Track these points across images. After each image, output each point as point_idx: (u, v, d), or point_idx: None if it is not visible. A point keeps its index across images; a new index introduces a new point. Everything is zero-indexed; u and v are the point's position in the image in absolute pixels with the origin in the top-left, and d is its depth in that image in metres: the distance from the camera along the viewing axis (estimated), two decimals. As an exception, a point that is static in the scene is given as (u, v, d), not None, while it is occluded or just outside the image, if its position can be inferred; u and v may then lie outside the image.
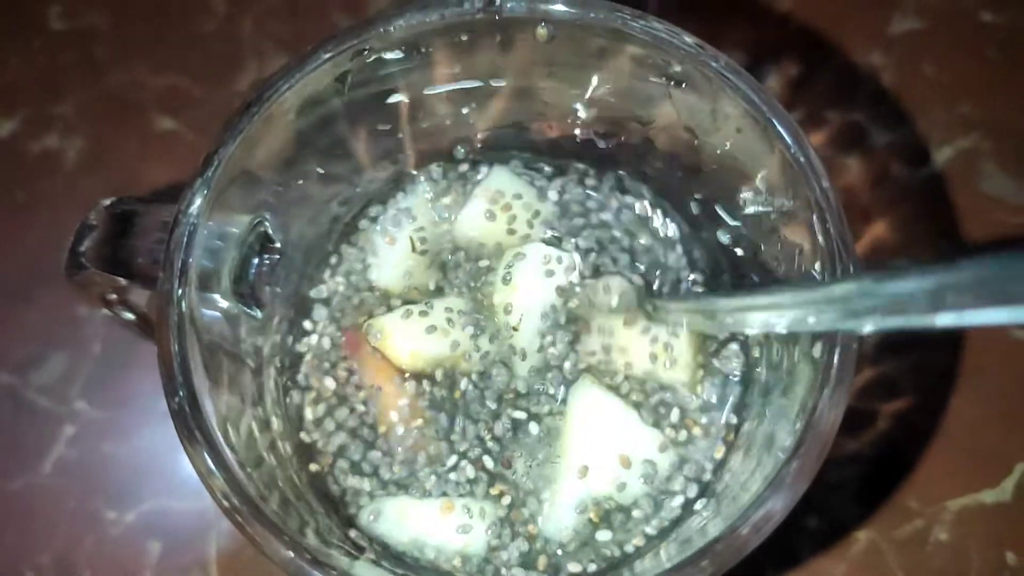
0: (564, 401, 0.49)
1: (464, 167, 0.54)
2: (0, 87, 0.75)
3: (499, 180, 0.53)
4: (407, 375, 0.50)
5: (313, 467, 0.49)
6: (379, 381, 0.50)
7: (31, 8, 0.77)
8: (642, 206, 0.54)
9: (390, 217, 0.53)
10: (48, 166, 0.72)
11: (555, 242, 0.52)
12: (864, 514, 0.60)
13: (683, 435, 0.49)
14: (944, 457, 0.61)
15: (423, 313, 0.49)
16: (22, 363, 0.66)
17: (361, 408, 0.50)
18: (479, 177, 0.54)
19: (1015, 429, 0.62)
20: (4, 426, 0.65)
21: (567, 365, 0.49)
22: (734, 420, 0.50)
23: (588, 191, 0.54)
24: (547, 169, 0.55)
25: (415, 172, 0.54)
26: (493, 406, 0.48)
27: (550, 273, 0.50)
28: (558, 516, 0.47)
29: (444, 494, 0.47)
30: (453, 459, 0.48)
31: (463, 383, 0.49)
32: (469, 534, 0.46)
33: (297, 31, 0.75)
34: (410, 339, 0.49)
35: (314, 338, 0.52)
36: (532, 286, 0.50)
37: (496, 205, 0.52)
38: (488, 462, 0.47)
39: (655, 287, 0.52)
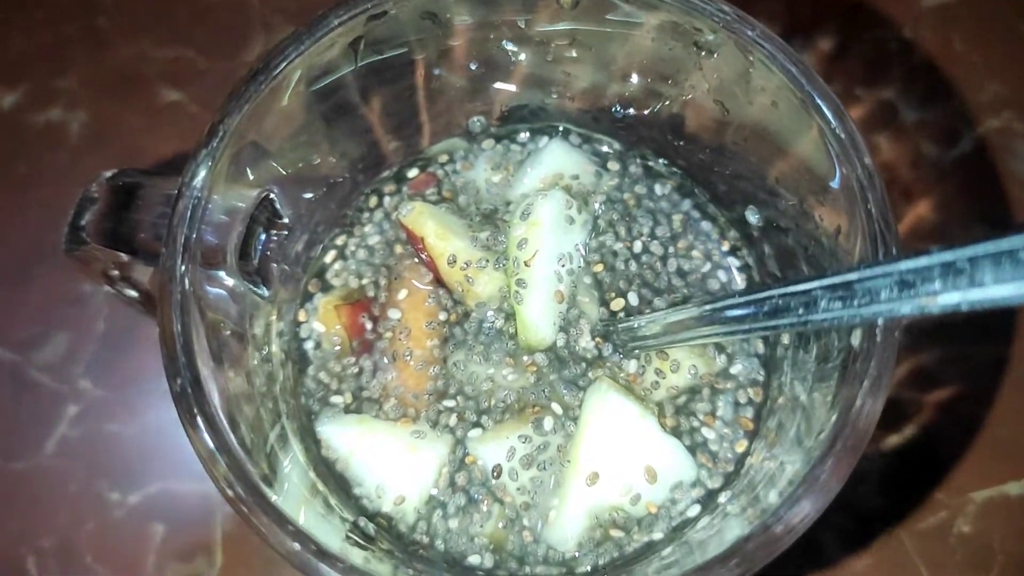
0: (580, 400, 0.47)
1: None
2: (2, 59, 0.73)
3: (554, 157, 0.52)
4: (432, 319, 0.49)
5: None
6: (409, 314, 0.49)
7: (35, -22, 0.75)
8: (664, 187, 0.52)
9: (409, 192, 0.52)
10: (51, 139, 0.71)
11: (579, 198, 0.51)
12: (887, 505, 0.59)
13: (702, 436, 0.47)
14: (970, 449, 0.60)
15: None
16: (24, 342, 0.65)
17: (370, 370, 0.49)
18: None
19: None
20: (6, 405, 0.63)
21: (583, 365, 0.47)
22: (751, 413, 0.48)
23: (609, 166, 0.52)
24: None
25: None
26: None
27: (570, 219, 0.48)
28: (562, 525, 0.45)
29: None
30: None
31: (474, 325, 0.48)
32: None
33: (305, 3, 0.73)
34: (438, 219, 0.49)
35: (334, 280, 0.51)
36: (550, 224, 0.48)
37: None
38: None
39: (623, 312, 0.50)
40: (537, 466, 0.45)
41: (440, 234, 0.48)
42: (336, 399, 0.48)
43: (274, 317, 0.47)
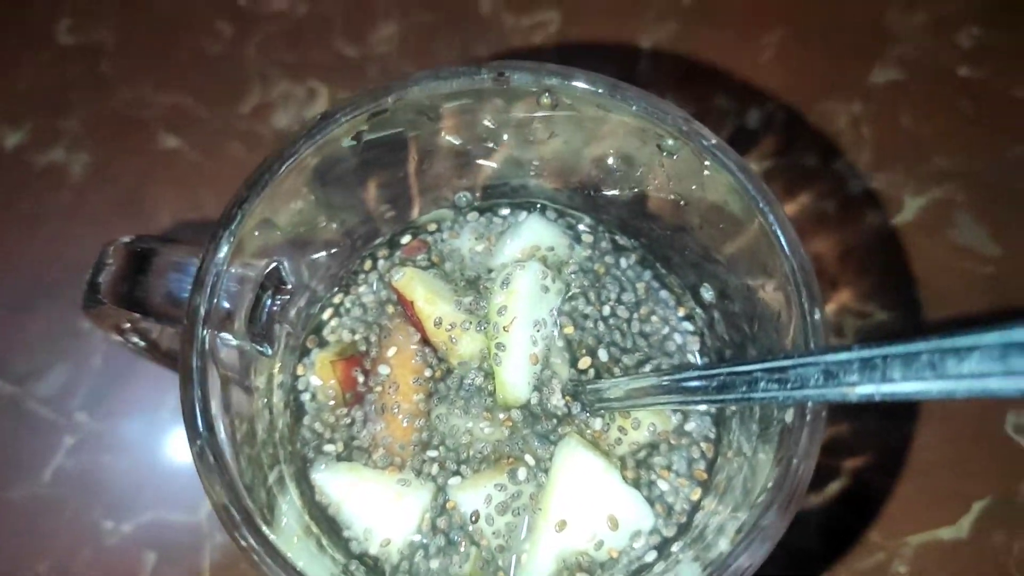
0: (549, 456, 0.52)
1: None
2: (8, 99, 0.77)
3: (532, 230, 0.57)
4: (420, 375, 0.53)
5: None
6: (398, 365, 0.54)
7: (40, 22, 0.79)
8: (629, 259, 0.57)
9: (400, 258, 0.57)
10: (54, 179, 0.74)
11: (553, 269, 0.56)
12: (827, 546, 0.64)
13: (659, 488, 0.52)
14: (907, 495, 0.65)
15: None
16: (24, 374, 0.68)
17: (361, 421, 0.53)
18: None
19: (974, 470, 0.66)
20: (5, 436, 0.67)
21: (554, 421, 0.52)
22: (704, 467, 0.53)
23: (582, 239, 0.57)
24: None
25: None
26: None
27: (545, 288, 0.53)
28: (533, 567, 0.49)
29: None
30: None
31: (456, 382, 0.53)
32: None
33: (300, 57, 0.78)
34: (426, 285, 0.53)
35: (329, 337, 0.56)
36: (527, 293, 0.53)
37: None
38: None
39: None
40: (511, 512, 0.50)
41: (428, 298, 0.53)
42: (329, 447, 0.52)
43: (276, 369, 0.51)
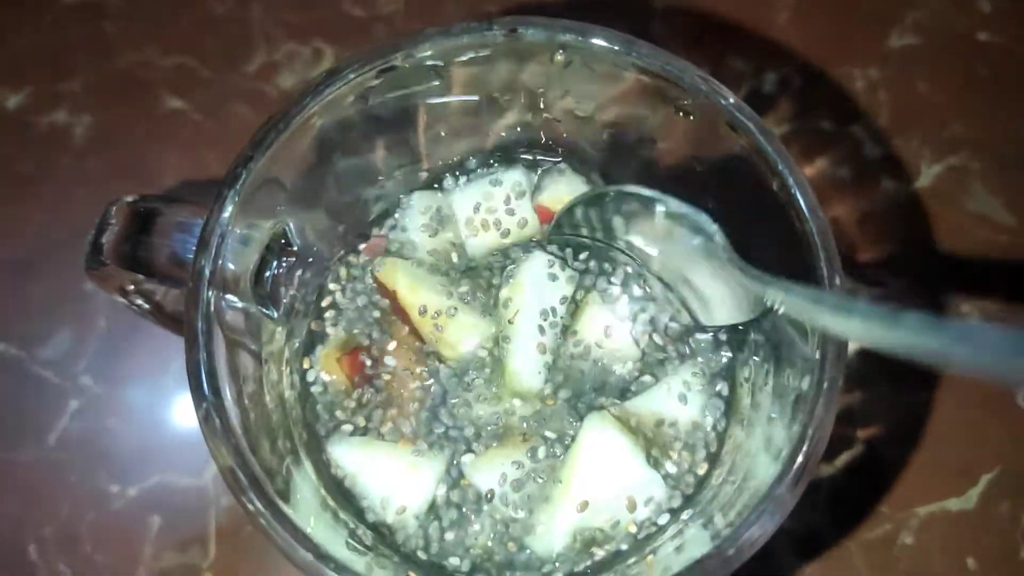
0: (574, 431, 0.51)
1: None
2: (9, 60, 0.75)
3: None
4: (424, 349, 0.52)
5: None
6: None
7: (42, -19, 0.77)
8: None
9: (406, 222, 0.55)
10: (56, 141, 0.73)
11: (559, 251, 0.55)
12: (836, 517, 0.63)
13: (670, 459, 0.51)
14: (917, 467, 0.64)
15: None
16: (28, 337, 0.68)
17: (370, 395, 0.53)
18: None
19: (983, 442, 0.65)
20: (10, 400, 0.66)
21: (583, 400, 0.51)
22: (714, 441, 0.52)
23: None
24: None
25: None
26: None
27: (552, 277, 0.52)
28: (549, 539, 0.49)
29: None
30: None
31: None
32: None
33: (306, 17, 0.76)
34: (409, 274, 0.52)
35: (330, 330, 0.54)
36: (532, 283, 0.52)
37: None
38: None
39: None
40: (527, 487, 0.49)
41: (411, 287, 0.51)
42: (345, 428, 0.52)
43: (286, 356, 0.51)
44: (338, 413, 0.52)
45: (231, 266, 0.42)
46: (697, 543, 0.43)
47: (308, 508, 0.44)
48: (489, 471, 0.49)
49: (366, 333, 0.54)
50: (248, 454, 0.38)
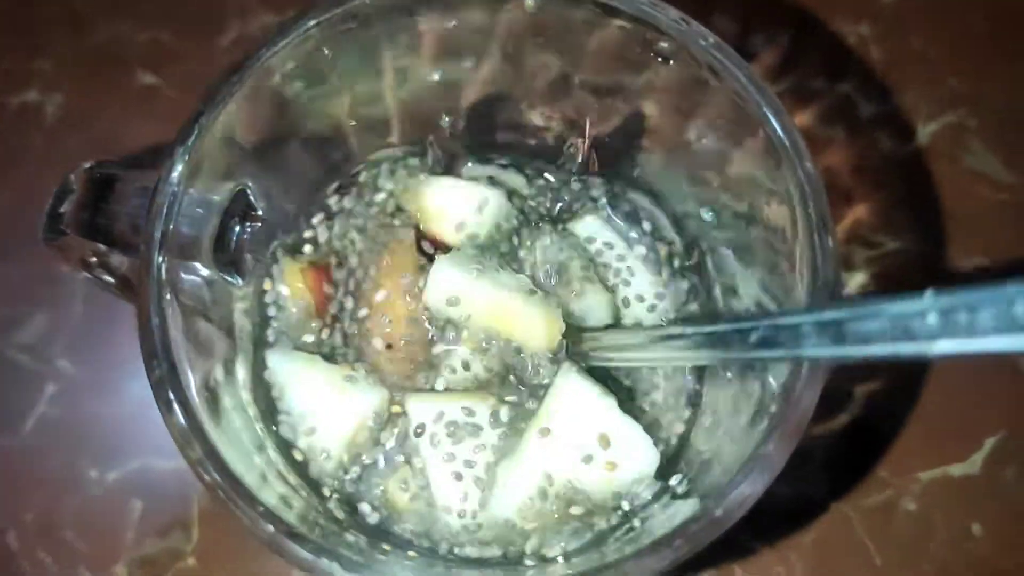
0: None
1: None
2: (-22, 39, 0.74)
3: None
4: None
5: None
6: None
7: (10, -42, 0.75)
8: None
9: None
10: (27, 121, 0.71)
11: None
12: (833, 483, 0.62)
13: (650, 415, 0.49)
14: (917, 431, 0.62)
15: None
16: (3, 322, 0.66)
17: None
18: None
19: (988, 405, 0.63)
20: (-15, 385, 0.65)
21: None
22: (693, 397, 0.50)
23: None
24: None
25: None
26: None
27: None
28: (510, 489, 0.46)
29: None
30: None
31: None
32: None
33: (281, -12, 0.74)
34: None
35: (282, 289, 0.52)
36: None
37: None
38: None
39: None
40: (466, 439, 0.46)
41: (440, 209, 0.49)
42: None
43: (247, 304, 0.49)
44: (291, 332, 0.50)
45: (186, 230, 0.40)
46: (685, 508, 0.41)
47: (230, 418, 0.42)
48: (429, 405, 0.47)
49: (350, 253, 0.51)
50: (204, 421, 0.37)
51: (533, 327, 0.47)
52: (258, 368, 0.49)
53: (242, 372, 0.47)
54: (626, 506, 0.47)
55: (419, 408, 0.47)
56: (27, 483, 0.63)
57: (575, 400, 0.46)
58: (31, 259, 0.67)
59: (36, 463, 0.63)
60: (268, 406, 0.48)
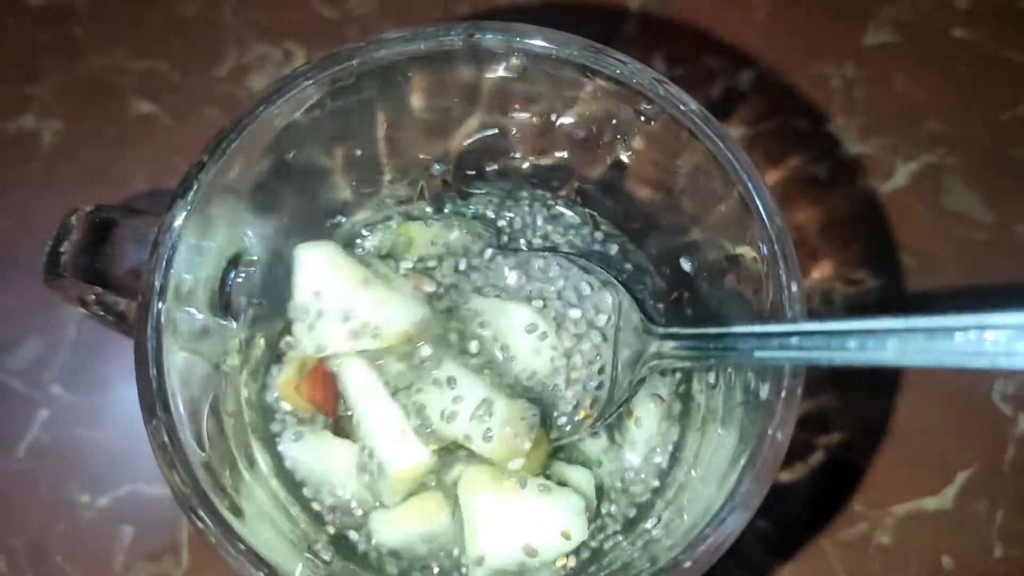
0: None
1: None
2: (-25, 64, 0.74)
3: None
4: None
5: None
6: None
7: (8, -17, 0.76)
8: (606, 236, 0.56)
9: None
10: (24, 148, 0.72)
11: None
12: (811, 516, 0.63)
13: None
14: (891, 465, 0.64)
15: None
16: (-3, 346, 0.67)
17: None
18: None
19: (960, 439, 0.65)
20: (-22, 410, 0.65)
21: None
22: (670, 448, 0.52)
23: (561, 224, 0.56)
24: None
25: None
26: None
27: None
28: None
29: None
30: None
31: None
32: None
33: (277, 19, 0.75)
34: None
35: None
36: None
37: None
38: None
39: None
40: None
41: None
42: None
43: (248, 366, 0.50)
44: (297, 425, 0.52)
45: (187, 276, 0.41)
46: (664, 550, 0.42)
47: (261, 515, 0.43)
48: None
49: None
50: (199, 470, 0.38)
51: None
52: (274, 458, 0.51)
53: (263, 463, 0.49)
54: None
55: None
56: (18, 508, 0.63)
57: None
58: (26, 284, 0.68)
59: (28, 488, 0.64)
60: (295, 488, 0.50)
